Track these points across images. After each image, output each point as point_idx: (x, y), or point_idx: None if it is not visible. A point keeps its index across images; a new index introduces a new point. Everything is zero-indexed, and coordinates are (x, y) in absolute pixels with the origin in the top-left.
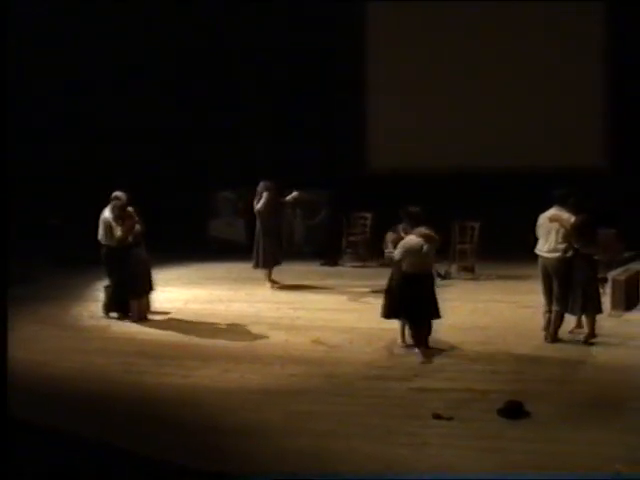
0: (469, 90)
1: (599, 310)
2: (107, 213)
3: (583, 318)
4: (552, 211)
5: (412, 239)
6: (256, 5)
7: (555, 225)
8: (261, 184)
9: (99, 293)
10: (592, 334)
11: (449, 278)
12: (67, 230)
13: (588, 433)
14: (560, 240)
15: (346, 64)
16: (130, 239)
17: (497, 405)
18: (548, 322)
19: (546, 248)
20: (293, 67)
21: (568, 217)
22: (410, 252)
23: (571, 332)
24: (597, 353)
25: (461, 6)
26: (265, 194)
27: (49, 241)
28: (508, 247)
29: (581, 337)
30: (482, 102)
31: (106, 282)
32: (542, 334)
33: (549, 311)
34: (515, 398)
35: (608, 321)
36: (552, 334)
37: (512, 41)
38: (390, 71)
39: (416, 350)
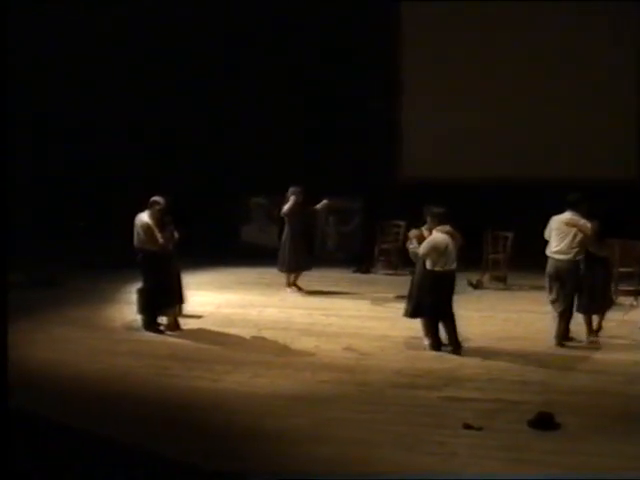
0: (503, 100)
1: (611, 307)
2: (146, 217)
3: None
4: (567, 215)
5: (438, 236)
6: (287, 10)
7: (573, 229)
8: (290, 189)
9: (131, 296)
10: (600, 327)
11: (481, 288)
12: (95, 232)
13: (618, 446)
14: (575, 244)
15: (380, 70)
16: (170, 247)
17: (527, 416)
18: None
19: (558, 250)
20: (326, 73)
21: (584, 223)
22: (435, 249)
23: (589, 341)
24: (628, 366)
25: (494, 15)
26: (292, 198)
27: (77, 243)
28: (541, 257)
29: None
30: (516, 112)
31: (139, 285)
32: (574, 345)
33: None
34: (546, 409)
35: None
36: (562, 335)
37: (546, 50)
38: (425, 78)
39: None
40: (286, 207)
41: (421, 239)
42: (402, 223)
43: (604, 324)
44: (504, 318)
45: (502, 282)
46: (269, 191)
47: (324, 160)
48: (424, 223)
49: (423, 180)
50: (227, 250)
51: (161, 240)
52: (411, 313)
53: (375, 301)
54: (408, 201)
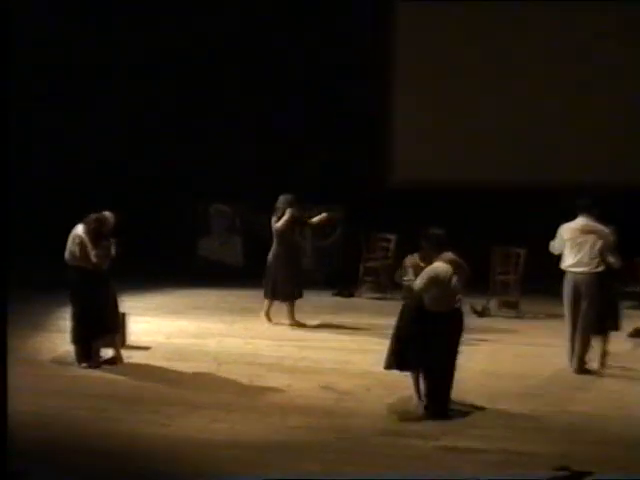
0: (513, 95)
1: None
2: (80, 230)
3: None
4: (581, 222)
5: (439, 266)
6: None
7: (590, 237)
8: (281, 198)
9: (64, 322)
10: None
11: (487, 316)
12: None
13: None
14: (594, 254)
15: (367, 63)
16: (105, 266)
17: (544, 471)
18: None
19: (578, 261)
20: (305, 62)
21: (602, 228)
22: (436, 282)
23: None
24: None
25: (497, 16)
26: (288, 210)
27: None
28: (560, 279)
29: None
30: (529, 108)
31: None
32: (599, 385)
33: (573, 339)
34: (568, 463)
35: None
36: (580, 362)
37: (557, 46)
38: (419, 71)
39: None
40: (281, 222)
41: (418, 269)
42: (392, 237)
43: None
44: (514, 353)
45: (513, 309)
46: (232, 196)
47: (297, 160)
48: (418, 250)
49: (417, 185)
50: (180, 268)
51: (95, 258)
52: (395, 363)
53: (359, 331)
54: (399, 210)
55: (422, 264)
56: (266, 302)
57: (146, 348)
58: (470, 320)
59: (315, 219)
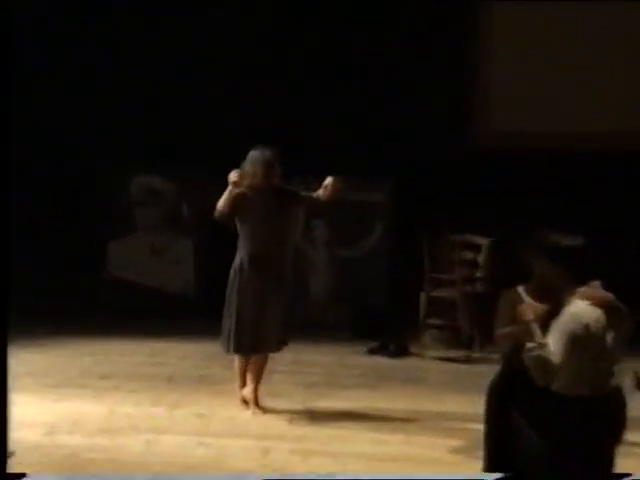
0: None
1: None
2: None
3: None
4: None
5: (581, 312)
6: None
7: None
8: (251, 155)
9: None
10: None
11: None
12: None
13: None
14: None
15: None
16: None
17: None
18: None
19: None
20: None
21: None
22: (579, 344)
23: None
24: None
25: None
26: (231, 176)
27: None
28: None
29: None
30: None
31: None
32: None
33: None
34: None
35: None
36: None
37: None
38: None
39: None
40: (221, 200)
41: (540, 318)
42: (482, 241)
43: None
44: None
45: None
46: (175, 165)
47: (310, 116)
48: (525, 277)
49: (520, 144)
50: (77, 298)
51: None
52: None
53: (415, 423)
54: (492, 192)
55: (543, 307)
56: (236, 362)
57: (7, 456)
58: (635, 402)
59: (320, 192)
